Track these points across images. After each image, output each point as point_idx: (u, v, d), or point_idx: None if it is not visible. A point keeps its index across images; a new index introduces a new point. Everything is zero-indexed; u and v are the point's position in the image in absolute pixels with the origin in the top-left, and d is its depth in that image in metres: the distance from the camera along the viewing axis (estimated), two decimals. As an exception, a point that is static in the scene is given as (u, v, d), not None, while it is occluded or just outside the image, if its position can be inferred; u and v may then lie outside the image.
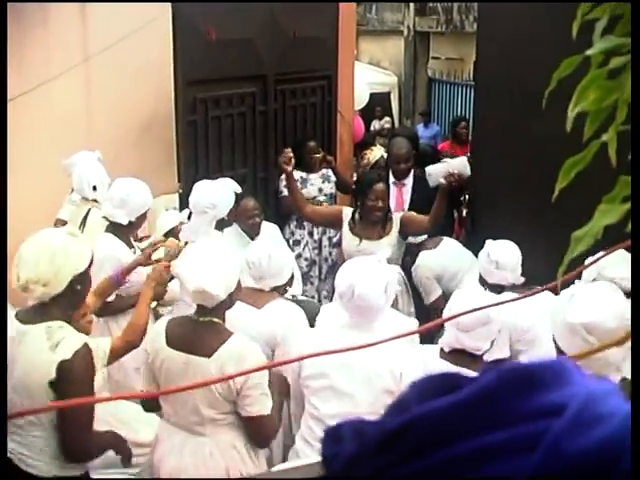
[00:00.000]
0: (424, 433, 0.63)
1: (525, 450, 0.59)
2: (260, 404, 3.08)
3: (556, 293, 2.94)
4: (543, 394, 0.63)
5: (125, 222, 4.42)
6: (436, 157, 8.01)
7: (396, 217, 5.12)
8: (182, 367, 3.10)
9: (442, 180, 4.91)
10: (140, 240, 4.83)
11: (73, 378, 2.82)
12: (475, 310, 2.65)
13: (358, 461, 0.67)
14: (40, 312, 2.96)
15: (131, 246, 4.50)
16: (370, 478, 0.66)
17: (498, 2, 5.39)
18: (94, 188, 5.22)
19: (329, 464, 0.71)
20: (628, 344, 1.07)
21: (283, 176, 6.38)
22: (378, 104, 12.30)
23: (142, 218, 4.58)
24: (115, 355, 3.29)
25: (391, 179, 5.98)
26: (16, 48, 5.46)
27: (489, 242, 4.25)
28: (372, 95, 10.80)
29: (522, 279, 4.16)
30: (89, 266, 3.04)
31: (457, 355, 3.26)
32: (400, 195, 5.90)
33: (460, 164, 5.08)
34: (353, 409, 3.10)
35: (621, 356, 2.75)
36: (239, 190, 4.86)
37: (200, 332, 3.14)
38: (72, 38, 5.97)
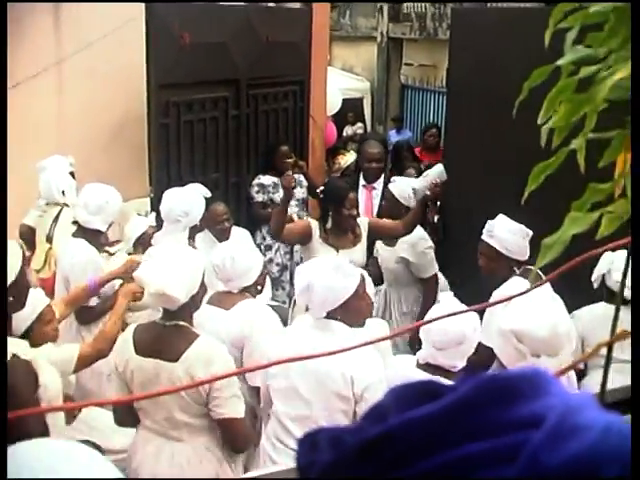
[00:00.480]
0: (403, 443, 0.63)
1: (504, 461, 0.59)
2: (230, 406, 3.07)
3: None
4: (522, 405, 0.62)
5: (103, 228, 4.43)
6: (411, 153, 8.02)
7: (362, 222, 5.04)
8: (152, 373, 3.09)
9: (428, 192, 4.90)
10: (111, 244, 4.80)
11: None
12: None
13: (335, 470, 0.66)
14: None
15: (100, 250, 4.48)
16: None
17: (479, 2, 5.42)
18: (62, 193, 5.18)
19: (305, 473, 0.69)
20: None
21: (255, 182, 6.39)
22: (351, 110, 12.32)
23: (112, 223, 4.57)
24: (83, 363, 3.27)
25: (361, 182, 6.00)
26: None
27: (494, 220, 4.23)
28: (345, 101, 10.80)
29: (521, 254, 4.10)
30: (17, 278, 2.90)
31: (433, 368, 3.22)
32: (369, 199, 5.90)
33: (438, 172, 5.09)
34: (309, 412, 3.10)
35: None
36: (208, 195, 4.85)
37: (166, 336, 3.12)
38: (44, 40, 5.94)
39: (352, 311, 3.22)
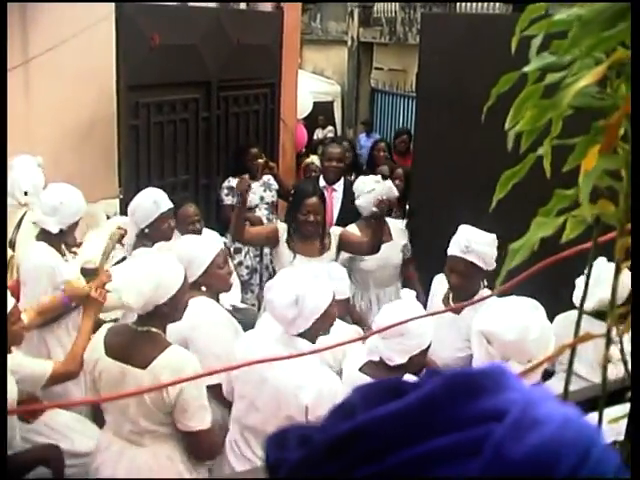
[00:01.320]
0: (371, 440, 0.64)
1: (468, 455, 0.60)
2: (198, 419, 3.02)
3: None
4: (485, 399, 0.64)
5: (55, 230, 4.34)
6: (389, 153, 7.99)
7: (334, 232, 4.95)
8: (119, 377, 3.05)
9: (374, 209, 4.83)
10: (78, 245, 4.74)
11: None
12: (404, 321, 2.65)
13: (304, 468, 0.66)
14: None
15: (63, 254, 4.43)
16: None
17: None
18: (25, 193, 5.12)
19: (274, 471, 0.69)
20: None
21: (225, 184, 6.38)
22: (321, 113, 12.36)
23: (74, 226, 4.49)
24: (54, 381, 3.28)
25: (322, 183, 6.00)
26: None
27: (462, 228, 4.04)
28: (315, 104, 10.85)
29: (493, 265, 3.93)
30: None
31: (375, 367, 3.19)
32: (330, 200, 5.89)
33: (386, 189, 5.08)
34: (262, 426, 3.06)
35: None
36: (166, 207, 4.79)
37: (137, 342, 3.07)
38: (12, 39, 5.88)
39: (328, 318, 3.22)
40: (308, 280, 3.17)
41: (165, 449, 3.11)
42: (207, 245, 3.91)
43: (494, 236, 3.91)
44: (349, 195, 5.97)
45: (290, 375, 2.98)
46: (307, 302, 3.09)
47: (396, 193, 5.28)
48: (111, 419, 3.19)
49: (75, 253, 4.52)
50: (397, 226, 5.36)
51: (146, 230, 4.64)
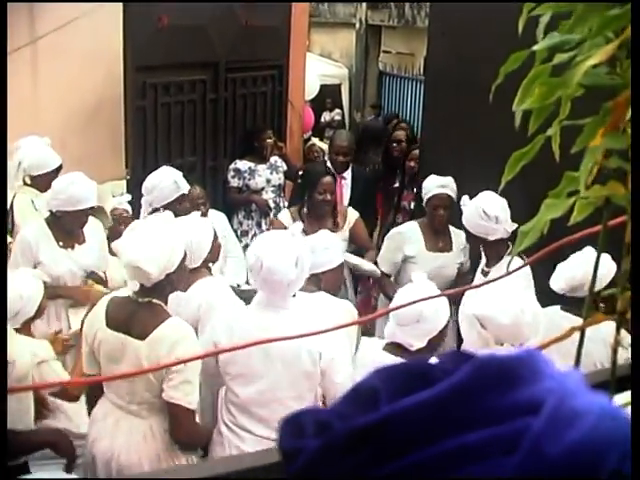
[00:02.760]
0: (398, 433, 0.60)
1: (503, 452, 0.57)
2: (180, 392, 3.00)
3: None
4: (520, 389, 0.60)
5: (46, 210, 4.41)
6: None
7: (351, 214, 5.06)
8: (119, 348, 3.07)
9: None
10: (80, 242, 4.64)
11: None
12: (413, 303, 2.64)
13: (324, 458, 0.62)
14: None
15: (58, 240, 4.41)
16: (339, 479, 0.62)
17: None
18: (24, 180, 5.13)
19: (290, 459, 0.65)
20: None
21: (231, 166, 6.39)
22: (329, 96, 12.30)
23: (73, 217, 4.37)
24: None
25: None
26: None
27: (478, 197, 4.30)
28: (323, 87, 10.79)
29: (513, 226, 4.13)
30: None
31: (399, 349, 3.20)
32: (340, 188, 5.90)
33: (371, 270, 4.92)
34: (276, 394, 3.08)
35: None
36: (185, 189, 4.77)
37: (138, 313, 3.09)
38: (19, 19, 5.86)
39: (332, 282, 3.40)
40: (295, 241, 3.23)
41: (161, 422, 3.12)
42: (208, 225, 3.96)
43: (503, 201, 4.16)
44: (357, 183, 5.99)
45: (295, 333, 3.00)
46: (305, 261, 3.14)
47: (379, 274, 4.94)
48: (109, 390, 3.20)
49: (72, 248, 4.46)
50: (460, 239, 4.94)
51: (161, 210, 4.61)
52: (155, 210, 4.63)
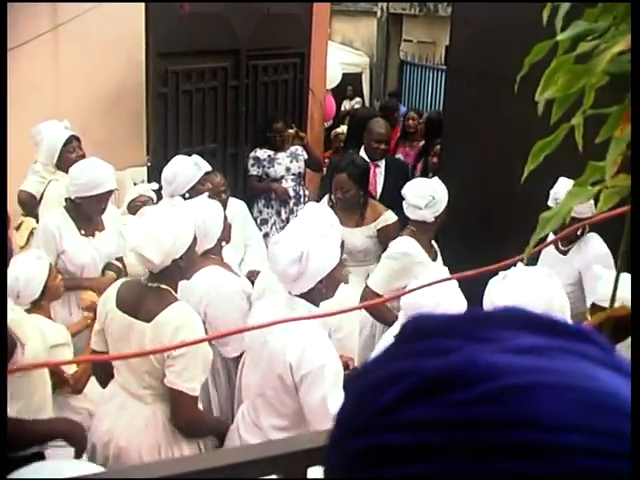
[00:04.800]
0: None
1: None
2: (181, 378, 2.98)
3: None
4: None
5: (70, 196, 4.35)
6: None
7: (388, 215, 4.87)
8: (126, 330, 3.10)
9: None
10: (100, 229, 4.65)
11: None
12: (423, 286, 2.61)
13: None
14: None
15: (80, 228, 4.41)
16: None
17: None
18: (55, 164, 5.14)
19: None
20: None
21: (251, 154, 6.39)
22: (349, 84, 12.28)
23: (93, 202, 4.34)
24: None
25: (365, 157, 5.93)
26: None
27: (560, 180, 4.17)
28: (344, 75, 10.78)
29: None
30: None
31: None
32: (374, 176, 5.83)
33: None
34: (262, 389, 3.04)
35: None
36: (209, 169, 4.77)
37: (146, 297, 3.11)
38: (41, 6, 5.89)
39: (333, 281, 3.09)
40: (315, 237, 3.01)
41: (165, 410, 3.12)
42: (217, 210, 3.88)
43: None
44: (392, 171, 5.92)
45: (281, 335, 2.93)
46: (311, 260, 2.96)
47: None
48: (118, 372, 3.22)
49: (92, 235, 4.47)
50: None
51: (187, 195, 4.59)
52: (181, 197, 4.57)
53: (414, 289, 2.73)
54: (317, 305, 3.09)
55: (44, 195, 5.02)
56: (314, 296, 3.06)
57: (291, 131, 6.34)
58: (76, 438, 3.04)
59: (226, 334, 2.96)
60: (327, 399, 2.83)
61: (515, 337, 0.57)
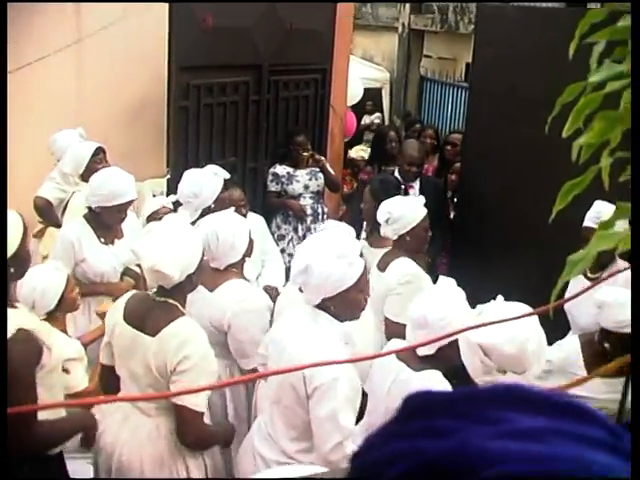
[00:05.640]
0: None
1: None
2: (189, 394, 2.98)
3: (549, 316, 2.86)
4: None
5: (89, 205, 4.38)
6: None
7: None
8: (131, 343, 3.10)
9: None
10: (119, 237, 4.67)
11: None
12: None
13: None
14: None
15: (99, 237, 4.44)
16: None
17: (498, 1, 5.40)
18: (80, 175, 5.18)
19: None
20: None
21: (270, 170, 6.40)
22: (369, 99, 12.28)
23: (114, 211, 4.38)
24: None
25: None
26: (9, 27, 5.42)
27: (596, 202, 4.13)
28: (364, 90, 10.79)
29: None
30: (17, 250, 2.84)
31: (410, 355, 3.05)
32: None
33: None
34: (277, 398, 3.04)
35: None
36: (227, 176, 4.81)
37: (153, 311, 3.11)
38: (66, 18, 5.93)
39: (348, 303, 3.05)
40: (324, 254, 2.98)
41: (168, 423, 3.12)
42: (244, 225, 3.91)
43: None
44: (426, 192, 5.86)
45: (300, 345, 2.95)
46: (314, 275, 2.95)
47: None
48: (124, 385, 3.22)
49: (112, 243, 4.50)
50: None
51: (212, 206, 4.62)
52: (207, 209, 4.60)
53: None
54: (341, 321, 3.07)
55: (68, 206, 5.06)
56: (333, 311, 3.04)
57: (306, 154, 6.32)
58: (92, 429, 3.13)
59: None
60: (338, 414, 2.83)
61: (513, 419, 0.59)
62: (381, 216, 4.32)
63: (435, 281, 3.29)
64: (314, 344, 2.94)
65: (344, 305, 3.04)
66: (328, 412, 2.83)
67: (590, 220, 4.15)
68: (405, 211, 4.29)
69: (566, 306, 3.96)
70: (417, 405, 0.63)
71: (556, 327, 3.54)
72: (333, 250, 3.01)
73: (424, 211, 4.35)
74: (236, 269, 3.83)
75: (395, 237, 4.32)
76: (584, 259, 1.01)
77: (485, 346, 2.75)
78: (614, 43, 1.18)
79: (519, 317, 2.42)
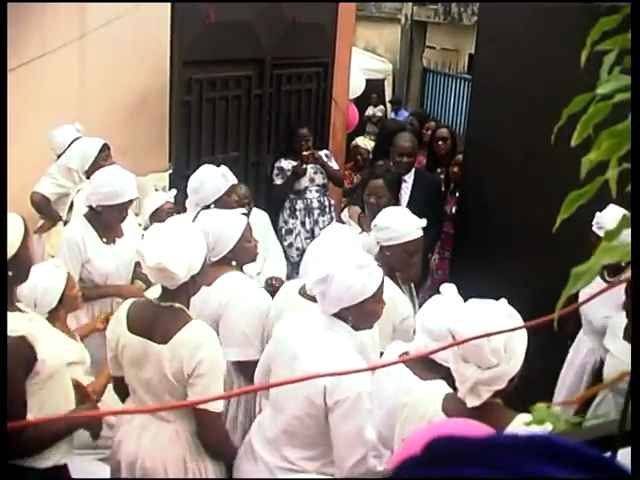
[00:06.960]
0: None
1: None
2: (205, 396, 2.92)
3: (552, 328, 2.82)
4: None
5: (89, 204, 4.36)
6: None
7: None
8: (141, 352, 3.03)
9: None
10: (119, 236, 4.65)
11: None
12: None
13: None
14: None
15: (101, 236, 4.41)
16: None
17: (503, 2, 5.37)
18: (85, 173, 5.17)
19: None
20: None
21: (276, 164, 6.39)
22: (372, 91, 12.25)
23: (114, 210, 4.33)
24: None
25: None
26: (12, 21, 5.40)
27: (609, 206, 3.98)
28: (367, 81, 10.77)
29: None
30: (18, 252, 2.80)
31: (420, 363, 3.02)
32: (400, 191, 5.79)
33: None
34: (283, 408, 3.00)
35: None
36: (235, 181, 4.77)
37: (159, 317, 3.03)
38: (69, 13, 5.92)
39: (366, 313, 3.02)
40: (346, 263, 2.96)
41: (187, 426, 3.08)
42: (235, 219, 3.88)
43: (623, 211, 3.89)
44: (420, 186, 5.88)
45: (316, 355, 2.91)
46: (334, 284, 2.92)
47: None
48: (135, 393, 3.16)
49: (113, 242, 4.47)
50: None
51: (212, 206, 4.58)
52: (205, 208, 4.54)
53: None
54: (357, 330, 3.04)
55: (73, 204, 5.04)
56: (350, 321, 3.01)
57: (306, 154, 6.30)
58: (96, 424, 3.15)
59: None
60: (364, 429, 2.80)
61: (532, 467, 0.60)
62: (376, 219, 4.16)
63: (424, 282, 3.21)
64: (333, 354, 2.89)
65: (361, 315, 3.02)
66: (354, 427, 2.81)
67: (596, 225, 4.09)
68: (392, 225, 4.02)
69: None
70: (446, 452, 0.64)
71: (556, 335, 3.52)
72: (353, 259, 2.99)
73: (416, 234, 4.02)
74: (233, 264, 3.83)
75: (377, 246, 4.06)
76: (588, 272, 1.00)
77: (453, 330, 2.67)
78: (625, 51, 1.17)
79: (521, 327, 2.42)
